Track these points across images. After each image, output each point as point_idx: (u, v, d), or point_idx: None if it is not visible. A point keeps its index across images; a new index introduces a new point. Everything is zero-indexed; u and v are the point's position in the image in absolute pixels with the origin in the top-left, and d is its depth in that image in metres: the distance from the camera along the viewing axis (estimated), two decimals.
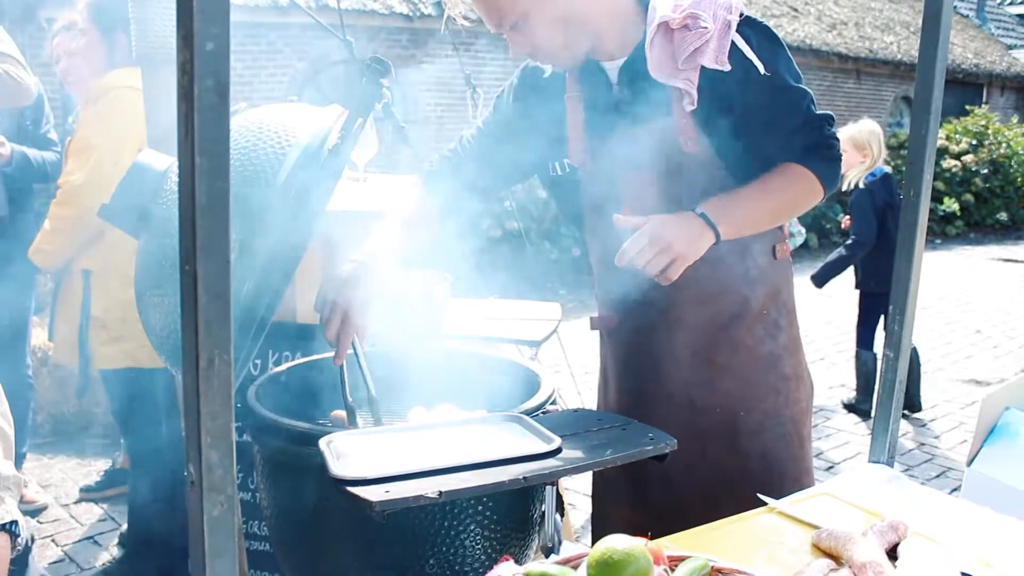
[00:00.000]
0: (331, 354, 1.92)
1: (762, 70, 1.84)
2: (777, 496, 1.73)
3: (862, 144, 5.41)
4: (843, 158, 5.51)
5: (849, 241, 5.52)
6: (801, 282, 2.21)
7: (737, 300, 2.03)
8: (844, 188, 5.48)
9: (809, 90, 1.95)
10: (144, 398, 3.44)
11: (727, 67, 1.82)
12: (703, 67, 1.83)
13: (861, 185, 5.38)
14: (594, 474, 2.35)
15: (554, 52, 1.94)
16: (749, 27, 1.88)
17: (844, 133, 5.47)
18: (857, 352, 5.74)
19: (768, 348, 2.07)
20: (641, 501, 2.14)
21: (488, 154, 2.17)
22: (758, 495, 1.71)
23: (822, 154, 1.96)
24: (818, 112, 1.95)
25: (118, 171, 3.08)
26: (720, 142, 1.93)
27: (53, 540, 3.92)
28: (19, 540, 1.87)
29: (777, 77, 1.89)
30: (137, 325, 3.26)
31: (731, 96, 1.87)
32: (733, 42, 1.83)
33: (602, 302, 2.23)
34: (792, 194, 1.96)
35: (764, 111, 1.89)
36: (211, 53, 0.82)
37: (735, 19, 1.84)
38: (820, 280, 5.69)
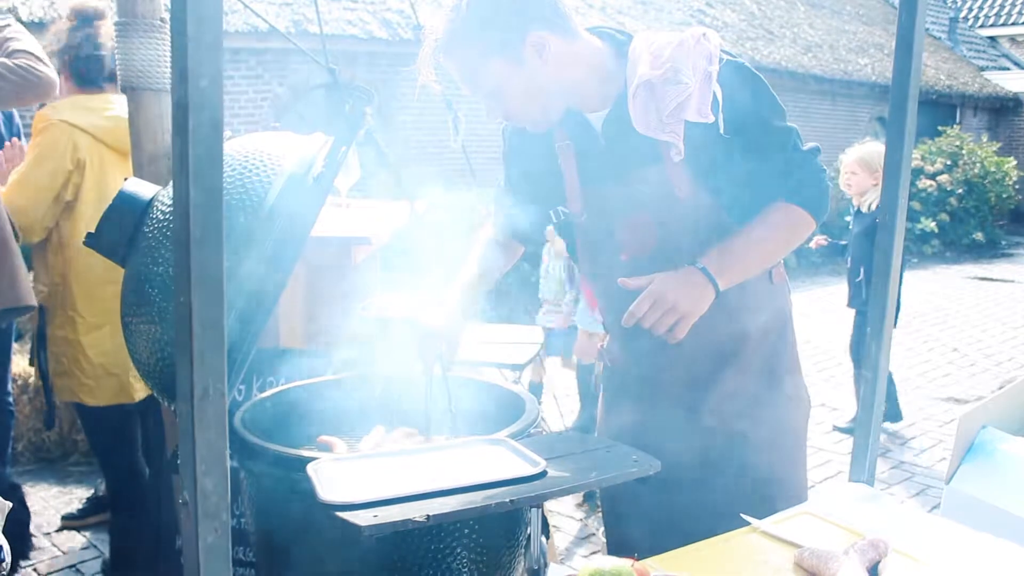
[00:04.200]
0: (315, 380, 2.06)
1: (722, 130, 1.87)
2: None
3: (873, 167, 5.38)
4: (854, 180, 5.43)
5: None
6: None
7: (738, 325, 2.05)
8: (864, 210, 5.48)
9: (794, 126, 1.98)
10: (108, 428, 3.48)
11: (710, 119, 1.85)
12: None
13: None
14: (603, 502, 2.37)
15: (530, 117, 1.98)
16: (729, 71, 1.90)
17: (852, 155, 5.49)
18: (858, 372, 5.75)
19: (770, 369, 2.10)
20: (653, 524, 2.15)
21: (514, 200, 2.24)
22: (741, 515, 1.73)
23: (811, 189, 1.99)
24: (804, 148, 1.98)
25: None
26: (711, 186, 1.95)
27: (35, 569, 3.89)
28: (3, 565, 1.87)
29: (761, 121, 1.93)
30: (79, 363, 3.34)
31: (718, 143, 1.89)
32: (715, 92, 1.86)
33: (608, 332, 2.26)
34: (786, 234, 2.00)
35: (751, 156, 1.92)
36: (205, 89, 0.84)
37: (715, 69, 1.87)
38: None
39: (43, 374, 3.42)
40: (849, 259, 5.70)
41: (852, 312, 5.66)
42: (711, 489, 2.07)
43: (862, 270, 5.50)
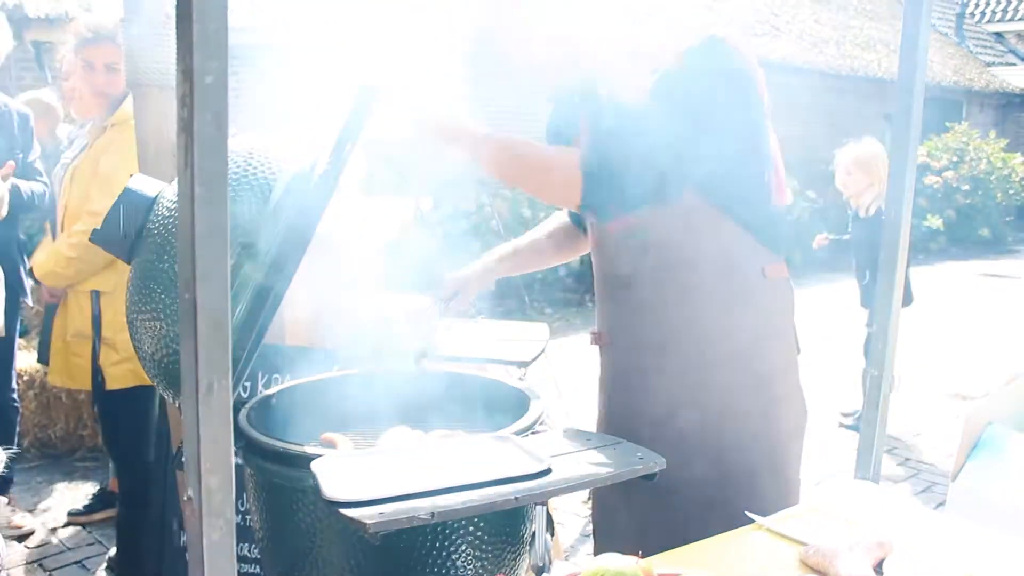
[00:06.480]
0: (320, 376, 2.08)
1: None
2: (763, 514, 1.74)
3: (870, 168, 5.32)
4: (850, 181, 5.41)
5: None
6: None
7: (724, 321, 2.05)
8: (861, 214, 5.44)
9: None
10: (144, 418, 3.47)
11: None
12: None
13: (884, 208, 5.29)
14: (591, 493, 2.38)
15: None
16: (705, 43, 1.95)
17: (849, 155, 5.42)
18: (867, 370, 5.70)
19: (757, 368, 2.08)
20: (639, 520, 2.15)
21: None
22: (746, 513, 1.72)
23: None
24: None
25: None
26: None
27: (40, 565, 3.90)
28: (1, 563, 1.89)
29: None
30: None
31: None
32: None
33: (599, 318, 2.26)
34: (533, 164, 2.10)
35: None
36: (210, 86, 0.84)
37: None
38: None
39: (95, 366, 3.41)
40: (854, 262, 5.68)
41: (864, 311, 5.64)
42: (696, 486, 2.06)
43: (868, 273, 5.48)
